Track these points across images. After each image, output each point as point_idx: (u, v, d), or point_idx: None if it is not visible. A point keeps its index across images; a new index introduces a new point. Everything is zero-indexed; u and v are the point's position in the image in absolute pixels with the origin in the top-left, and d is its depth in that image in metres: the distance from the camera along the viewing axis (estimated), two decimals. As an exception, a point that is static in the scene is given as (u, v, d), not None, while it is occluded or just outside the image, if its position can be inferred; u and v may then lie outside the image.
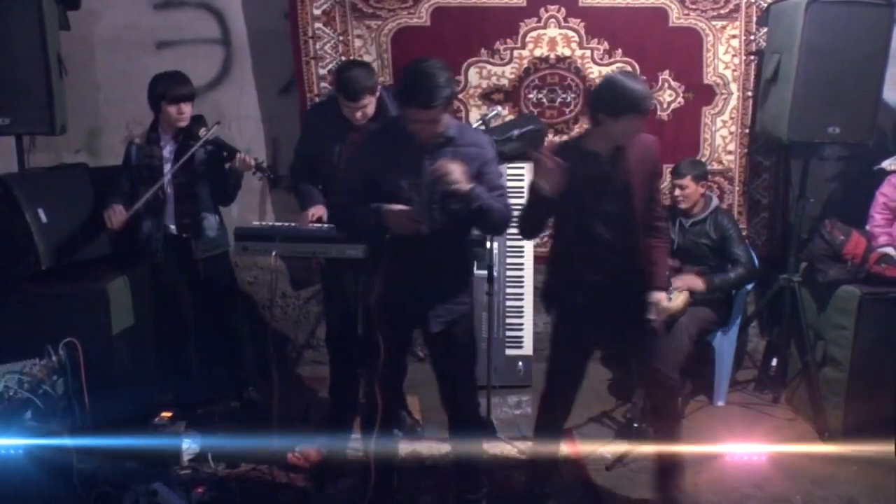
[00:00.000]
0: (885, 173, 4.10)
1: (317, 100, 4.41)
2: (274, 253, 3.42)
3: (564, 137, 4.49)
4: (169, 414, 3.52)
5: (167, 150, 3.78)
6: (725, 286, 4.16)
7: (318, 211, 3.57)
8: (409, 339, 3.17)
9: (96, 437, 3.29)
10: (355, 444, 3.66)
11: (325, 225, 3.46)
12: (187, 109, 3.75)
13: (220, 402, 4.06)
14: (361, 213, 2.83)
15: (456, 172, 2.65)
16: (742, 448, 3.71)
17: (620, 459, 3.67)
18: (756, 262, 4.25)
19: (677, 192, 4.20)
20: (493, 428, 3.78)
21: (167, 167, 3.76)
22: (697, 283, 4.08)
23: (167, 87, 3.69)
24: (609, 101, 2.78)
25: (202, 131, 3.75)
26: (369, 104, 3.44)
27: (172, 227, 3.82)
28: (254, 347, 4.60)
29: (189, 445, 3.60)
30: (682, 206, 4.19)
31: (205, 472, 3.49)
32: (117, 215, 3.68)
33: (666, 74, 4.50)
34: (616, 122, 2.79)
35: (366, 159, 2.91)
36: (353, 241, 3.24)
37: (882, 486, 3.49)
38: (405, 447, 3.73)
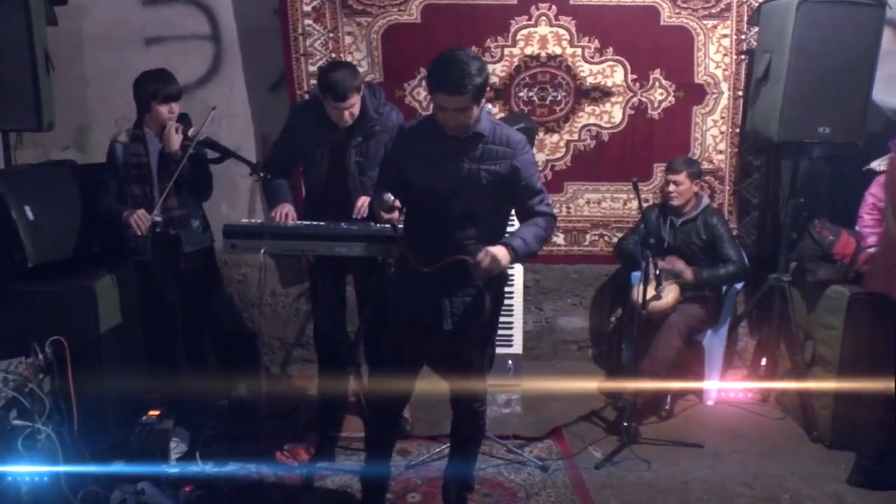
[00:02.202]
0: (875, 174, 4.11)
1: (307, 97, 4.40)
2: (263, 251, 3.41)
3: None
4: (157, 412, 3.49)
5: (154, 149, 3.75)
6: (714, 282, 4.17)
7: (285, 209, 3.59)
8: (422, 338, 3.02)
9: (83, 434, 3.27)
10: (343, 443, 3.65)
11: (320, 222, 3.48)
12: (177, 108, 3.73)
13: (208, 401, 4.03)
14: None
15: (487, 264, 2.67)
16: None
17: (610, 458, 3.67)
18: (746, 261, 4.27)
19: (671, 187, 4.20)
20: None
21: (154, 165, 3.73)
22: (683, 267, 4.10)
23: (159, 87, 3.66)
24: None
25: (191, 131, 3.72)
26: (356, 104, 3.44)
27: (157, 225, 3.78)
28: (243, 345, 4.59)
29: (177, 444, 3.59)
30: (675, 202, 4.20)
31: (193, 471, 3.47)
32: (144, 220, 3.64)
33: (657, 73, 4.50)
34: None
35: (396, 155, 2.90)
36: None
37: (870, 484, 3.51)
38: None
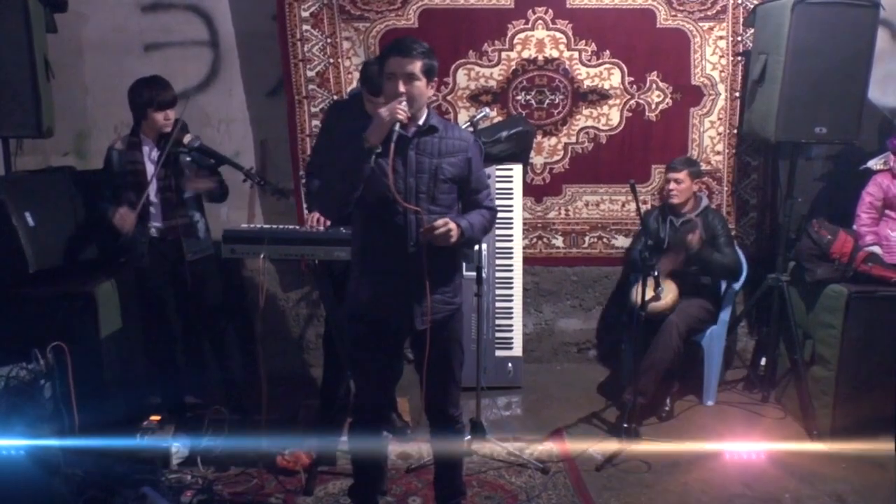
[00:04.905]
0: (871, 173, 4.14)
1: (304, 102, 4.43)
2: (262, 255, 3.42)
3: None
4: (157, 418, 3.50)
5: (150, 156, 3.76)
6: (710, 265, 4.13)
7: (316, 216, 3.58)
8: (398, 341, 3.00)
9: (85, 439, 3.27)
10: (345, 447, 3.64)
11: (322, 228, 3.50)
12: (172, 115, 3.74)
13: (208, 406, 4.03)
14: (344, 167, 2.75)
15: (448, 226, 2.68)
16: (734, 447, 3.74)
17: (610, 460, 3.67)
18: (744, 263, 4.28)
19: (672, 185, 4.21)
20: (483, 429, 3.77)
21: (150, 172, 3.74)
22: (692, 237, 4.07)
23: (154, 94, 3.67)
24: None
25: (187, 138, 3.73)
26: None
27: (155, 231, 3.79)
28: (243, 350, 4.59)
29: (178, 449, 3.59)
30: (674, 200, 4.21)
31: (193, 476, 3.48)
32: (127, 218, 3.65)
33: (654, 75, 4.51)
34: None
35: (352, 151, 2.77)
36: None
37: (870, 483, 3.51)
38: (394, 449, 3.74)
